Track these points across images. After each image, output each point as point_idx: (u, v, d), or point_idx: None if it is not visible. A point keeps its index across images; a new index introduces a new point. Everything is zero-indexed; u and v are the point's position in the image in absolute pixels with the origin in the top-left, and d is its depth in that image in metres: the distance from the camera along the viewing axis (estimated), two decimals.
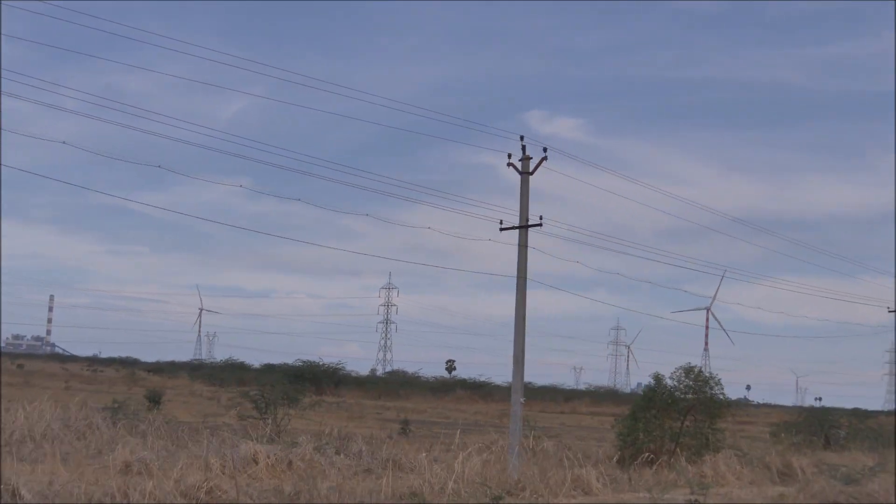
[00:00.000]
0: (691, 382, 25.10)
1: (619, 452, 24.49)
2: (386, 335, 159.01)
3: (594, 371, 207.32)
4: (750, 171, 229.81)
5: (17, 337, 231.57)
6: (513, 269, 20.68)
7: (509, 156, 21.19)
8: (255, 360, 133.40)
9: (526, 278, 20.64)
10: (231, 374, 79.14)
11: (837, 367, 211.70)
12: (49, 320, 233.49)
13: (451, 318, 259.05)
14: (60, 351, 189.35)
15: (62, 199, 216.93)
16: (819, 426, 34.63)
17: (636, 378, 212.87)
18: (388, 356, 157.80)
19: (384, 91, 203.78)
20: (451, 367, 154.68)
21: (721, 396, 25.41)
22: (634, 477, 20.74)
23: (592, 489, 18.07)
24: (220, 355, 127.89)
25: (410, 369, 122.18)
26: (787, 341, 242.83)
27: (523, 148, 21.23)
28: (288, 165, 27.99)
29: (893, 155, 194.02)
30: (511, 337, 20.67)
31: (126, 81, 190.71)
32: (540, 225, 20.74)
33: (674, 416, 25.12)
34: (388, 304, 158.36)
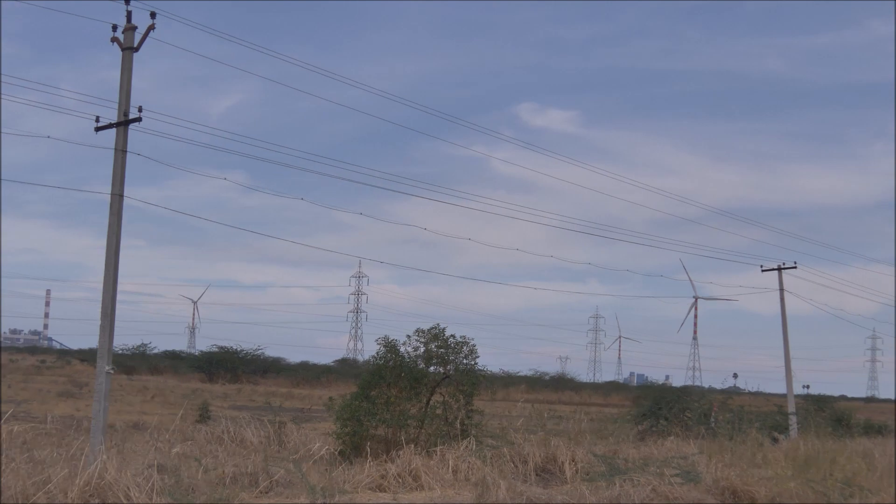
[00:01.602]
0: (437, 349, 18.90)
1: (341, 442, 18.45)
2: (356, 323, 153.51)
3: (583, 361, 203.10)
4: (737, 160, 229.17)
5: (14, 331, 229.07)
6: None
7: (113, 28, 15.13)
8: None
9: (123, 195, 14.53)
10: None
11: (827, 355, 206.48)
12: (46, 315, 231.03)
13: (445, 309, 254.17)
14: (58, 345, 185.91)
15: (58, 193, 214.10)
16: (670, 409, 28.23)
17: (629, 368, 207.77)
18: (360, 345, 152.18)
19: (375, 85, 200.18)
20: None
21: (478, 367, 19.18)
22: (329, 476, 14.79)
23: None
24: (205, 347, 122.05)
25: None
26: (779, 330, 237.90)
27: (128, 15, 15.12)
28: (281, 161, 22.85)
29: (894, 146, 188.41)
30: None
31: (118, 77, 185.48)
32: (139, 120, 14.63)
33: (419, 396, 18.98)
34: (358, 293, 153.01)
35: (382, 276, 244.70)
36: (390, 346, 18.85)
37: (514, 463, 17.33)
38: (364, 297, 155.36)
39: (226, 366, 68.67)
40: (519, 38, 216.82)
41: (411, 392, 18.78)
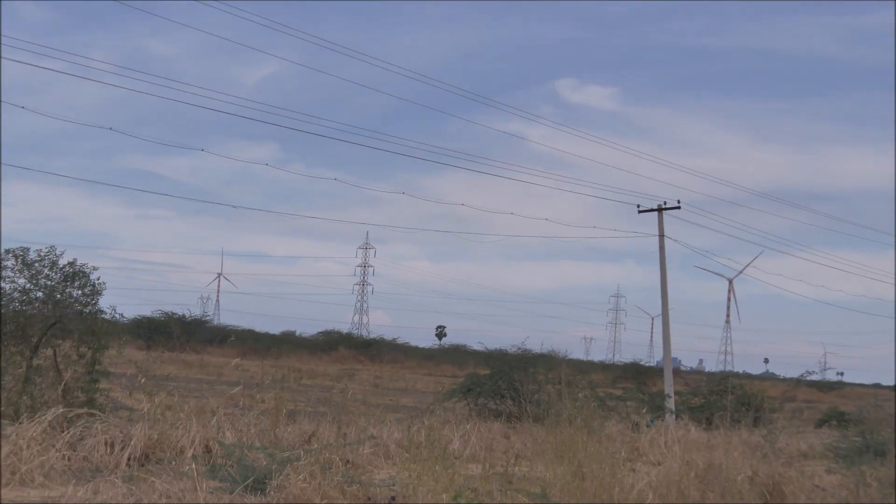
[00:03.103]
0: (43, 282, 12.98)
1: None
2: (362, 297, 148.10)
3: (607, 342, 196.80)
4: (780, 141, 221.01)
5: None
6: None
7: None
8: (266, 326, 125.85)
9: None
10: None
11: (864, 342, 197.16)
12: None
13: (474, 287, 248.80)
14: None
15: (88, 162, 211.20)
16: (510, 383, 21.82)
17: (661, 350, 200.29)
18: (365, 319, 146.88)
19: (411, 58, 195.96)
20: (441, 333, 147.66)
21: (103, 313, 13.25)
22: None
23: None
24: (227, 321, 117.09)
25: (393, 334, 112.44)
26: (816, 315, 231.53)
27: None
28: (315, 132, 18.32)
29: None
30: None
31: (152, 45, 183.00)
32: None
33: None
34: (364, 265, 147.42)
35: (415, 252, 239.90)
36: None
37: (109, 447, 11.46)
38: (371, 270, 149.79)
39: (165, 332, 63.81)
40: (560, 12, 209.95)
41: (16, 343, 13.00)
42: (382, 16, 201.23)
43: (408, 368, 64.51)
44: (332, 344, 68.66)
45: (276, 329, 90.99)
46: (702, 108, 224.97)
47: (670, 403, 23.96)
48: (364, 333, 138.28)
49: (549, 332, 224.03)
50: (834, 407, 37.07)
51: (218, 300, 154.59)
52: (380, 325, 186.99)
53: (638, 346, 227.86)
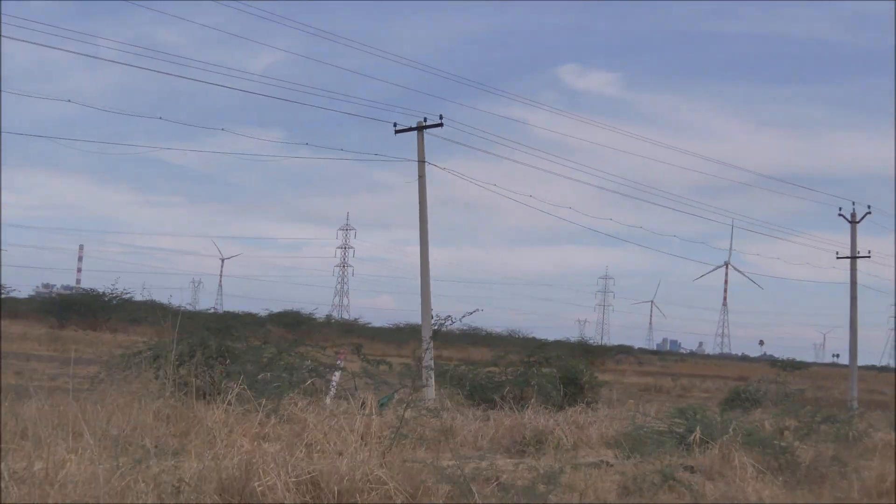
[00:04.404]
0: None
1: None
2: (343, 279, 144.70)
3: (600, 324, 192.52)
4: (783, 126, 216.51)
5: (47, 286, 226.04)
6: None
7: None
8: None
9: None
10: None
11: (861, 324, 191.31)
12: (79, 269, 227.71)
13: (477, 273, 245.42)
14: None
15: (94, 149, 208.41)
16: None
17: (661, 333, 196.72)
18: (345, 301, 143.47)
19: (414, 44, 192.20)
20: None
21: None
22: None
23: None
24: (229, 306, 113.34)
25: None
26: (813, 297, 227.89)
27: None
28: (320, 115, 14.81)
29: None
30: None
31: (158, 33, 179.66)
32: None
33: None
34: (345, 247, 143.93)
35: (416, 237, 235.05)
36: None
37: None
38: (351, 252, 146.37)
39: (81, 310, 60.38)
40: None
41: None
42: (385, 4, 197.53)
43: (338, 346, 60.70)
44: (260, 322, 64.95)
45: None
46: (704, 94, 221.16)
47: (429, 375, 19.73)
48: (343, 316, 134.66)
49: (545, 315, 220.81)
50: (742, 387, 33.06)
51: (220, 285, 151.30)
52: (383, 307, 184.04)
53: (637, 328, 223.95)
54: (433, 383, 19.48)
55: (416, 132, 21.73)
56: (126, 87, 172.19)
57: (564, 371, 20.91)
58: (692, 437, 14.82)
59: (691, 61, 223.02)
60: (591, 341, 72.02)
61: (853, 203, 36.57)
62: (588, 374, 21.02)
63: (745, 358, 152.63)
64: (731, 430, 14.78)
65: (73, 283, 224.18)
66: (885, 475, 12.75)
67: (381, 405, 16.32)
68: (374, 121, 48.98)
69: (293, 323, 65.65)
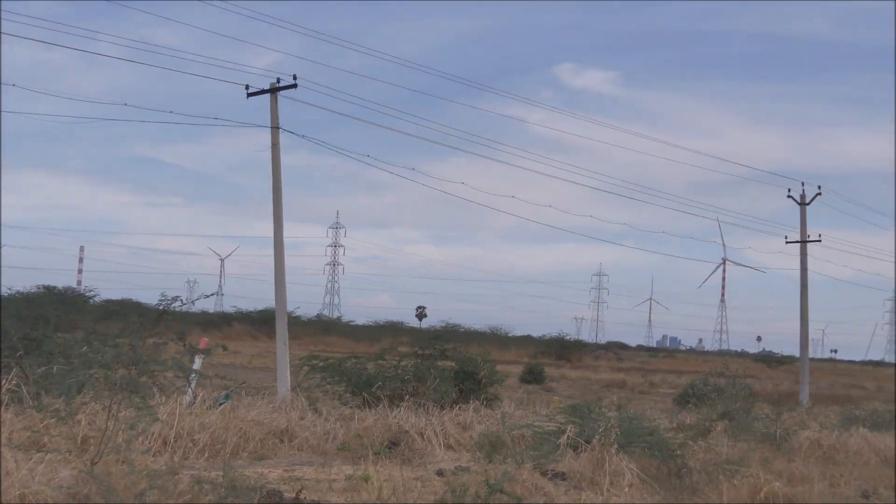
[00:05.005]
0: None
1: None
2: (333, 277, 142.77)
3: (595, 322, 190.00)
4: (780, 123, 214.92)
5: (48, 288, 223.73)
6: None
7: None
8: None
9: None
10: None
11: (859, 320, 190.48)
12: (79, 271, 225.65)
13: (475, 271, 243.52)
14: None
15: (96, 150, 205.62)
16: None
17: (661, 330, 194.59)
18: (336, 300, 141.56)
19: (412, 44, 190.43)
20: (421, 313, 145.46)
21: None
22: None
23: None
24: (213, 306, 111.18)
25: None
26: (813, 294, 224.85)
27: None
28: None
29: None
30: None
31: (157, 34, 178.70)
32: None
33: None
34: (335, 245, 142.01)
35: (418, 236, 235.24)
36: None
37: None
38: (342, 250, 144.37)
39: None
40: None
41: None
42: (382, 3, 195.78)
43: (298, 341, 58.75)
44: (225, 319, 63.21)
45: None
46: (701, 91, 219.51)
47: (283, 370, 17.67)
48: (333, 314, 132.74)
49: (543, 314, 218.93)
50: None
51: (221, 285, 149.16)
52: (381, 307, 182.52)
53: (637, 325, 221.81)
54: (288, 377, 17.35)
55: (269, 95, 19.30)
56: (126, 89, 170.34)
57: (463, 364, 18.80)
58: (560, 440, 12.71)
59: (688, 59, 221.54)
60: (568, 337, 69.68)
61: (802, 184, 34.31)
62: (486, 367, 18.90)
63: (742, 354, 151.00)
64: (601, 430, 12.65)
65: (73, 285, 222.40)
66: (760, 486, 10.69)
67: (219, 404, 14.32)
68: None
69: (259, 321, 63.69)
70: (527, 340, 77.02)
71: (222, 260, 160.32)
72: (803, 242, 33.80)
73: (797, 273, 34.05)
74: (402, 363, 18.29)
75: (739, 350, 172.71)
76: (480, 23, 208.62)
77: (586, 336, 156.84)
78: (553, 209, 59.17)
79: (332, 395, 18.05)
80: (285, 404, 14.68)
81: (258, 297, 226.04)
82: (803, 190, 33.85)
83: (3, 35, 17.45)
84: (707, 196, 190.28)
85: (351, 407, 15.98)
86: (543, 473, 12.51)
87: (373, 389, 16.56)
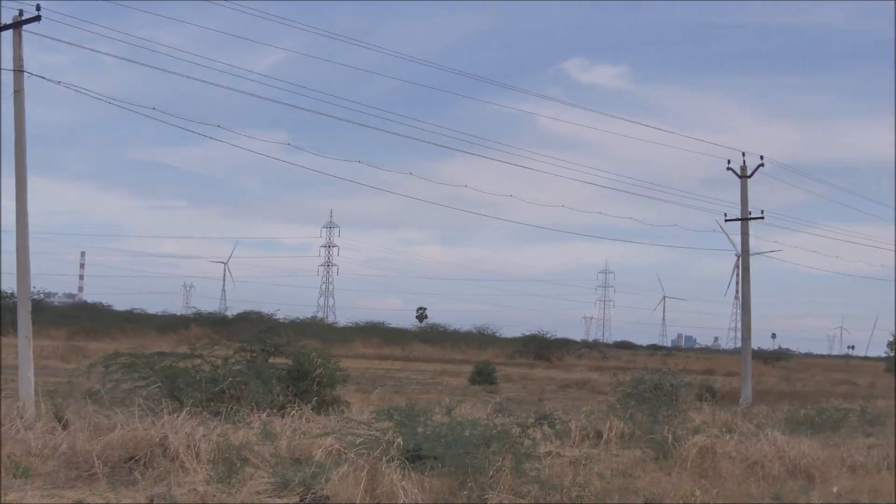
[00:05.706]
0: None
1: None
2: (327, 278, 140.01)
3: (604, 320, 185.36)
4: (792, 117, 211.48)
5: (48, 294, 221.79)
6: None
7: None
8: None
9: None
10: None
11: (876, 316, 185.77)
12: (81, 276, 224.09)
13: (480, 272, 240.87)
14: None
15: (98, 154, 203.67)
16: None
17: (676, 329, 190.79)
18: (331, 301, 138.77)
19: (420, 42, 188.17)
20: (421, 314, 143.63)
21: None
22: None
23: None
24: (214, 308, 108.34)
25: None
26: (831, 290, 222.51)
27: None
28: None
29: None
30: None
31: (158, 35, 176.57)
32: None
33: None
34: (329, 245, 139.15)
35: (425, 237, 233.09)
36: None
37: None
38: (336, 250, 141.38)
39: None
40: None
41: None
42: (388, 3, 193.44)
43: None
44: (184, 322, 60.30)
45: None
46: (711, 85, 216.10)
47: (25, 370, 14.54)
48: (329, 317, 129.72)
49: (552, 313, 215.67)
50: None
51: (224, 289, 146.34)
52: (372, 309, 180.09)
53: (651, 325, 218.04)
54: (31, 378, 14.26)
55: (11, 31, 15.85)
56: (126, 90, 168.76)
57: (299, 361, 15.71)
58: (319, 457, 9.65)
59: (697, 53, 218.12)
60: (550, 335, 66.17)
61: (743, 154, 30.85)
62: (324, 365, 15.77)
63: (758, 352, 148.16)
64: (384, 442, 9.56)
65: (75, 291, 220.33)
66: None
67: None
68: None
69: (220, 322, 60.82)
70: (507, 340, 73.67)
71: (225, 264, 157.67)
72: (744, 220, 30.44)
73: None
74: (233, 359, 15.28)
75: (756, 348, 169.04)
76: (487, 20, 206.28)
77: (595, 335, 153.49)
78: (564, 208, 56.44)
79: (154, 398, 15.09)
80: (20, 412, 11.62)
81: (259, 299, 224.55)
82: (744, 161, 30.47)
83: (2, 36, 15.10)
84: (718, 191, 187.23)
85: (158, 412, 12.95)
86: (302, 499, 9.59)
87: (181, 390, 13.63)
